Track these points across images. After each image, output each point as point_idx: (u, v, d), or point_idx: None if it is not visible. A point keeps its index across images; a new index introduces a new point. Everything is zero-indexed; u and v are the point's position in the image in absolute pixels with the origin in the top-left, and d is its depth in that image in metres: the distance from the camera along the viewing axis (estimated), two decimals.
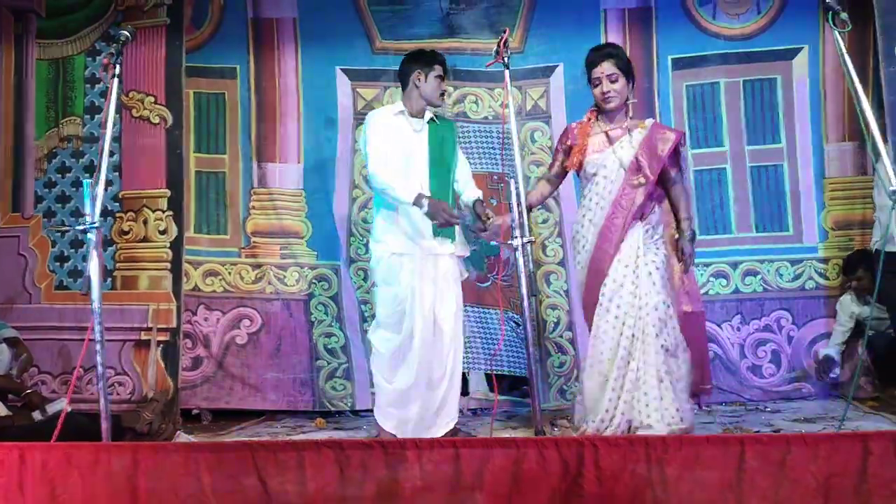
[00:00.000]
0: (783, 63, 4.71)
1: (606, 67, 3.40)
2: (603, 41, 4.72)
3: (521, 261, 2.71)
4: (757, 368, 4.70)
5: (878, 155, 2.75)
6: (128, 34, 3.05)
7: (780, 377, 4.69)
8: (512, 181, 2.81)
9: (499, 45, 3.12)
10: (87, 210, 2.82)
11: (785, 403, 4.50)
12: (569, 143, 3.55)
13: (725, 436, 3.43)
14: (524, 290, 2.70)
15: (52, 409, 3.98)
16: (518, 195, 2.78)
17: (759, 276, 4.73)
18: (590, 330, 3.48)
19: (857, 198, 4.69)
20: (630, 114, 3.51)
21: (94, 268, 2.82)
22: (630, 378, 3.30)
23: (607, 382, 3.34)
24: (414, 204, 3.59)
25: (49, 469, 2.34)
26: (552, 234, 4.80)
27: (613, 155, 3.40)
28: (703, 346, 3.55)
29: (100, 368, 2.79)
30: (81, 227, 2.84)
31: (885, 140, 2.82)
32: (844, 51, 2.76)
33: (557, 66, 4.77)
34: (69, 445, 2.42)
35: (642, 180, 3.36)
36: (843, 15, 2.79)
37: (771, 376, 4.69)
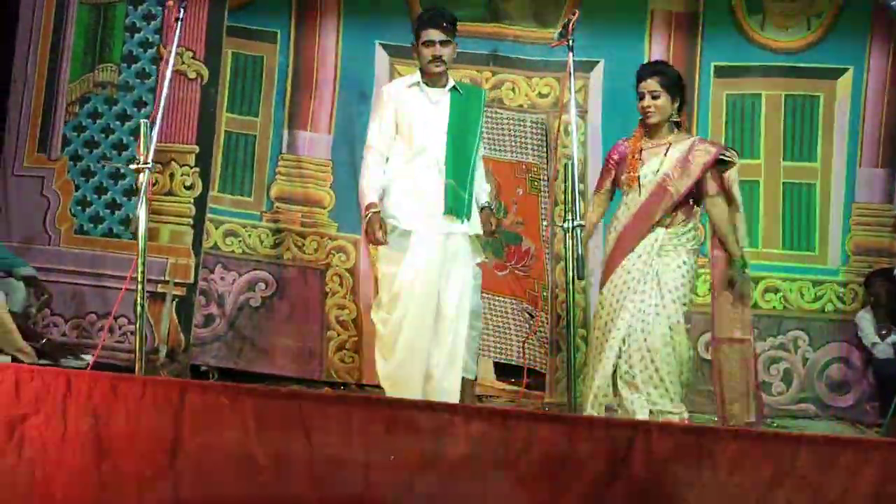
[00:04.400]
0: (828, 82, 4.68)
1: (650, 84, 3.47)
2: (647, 42, 4.71)
3: (569, 244, 2.68)
4: (767, 385, 4.67)
5: None
6: None
7: (789, 396, 4.67)
8: (569, 163, 2.79)
9: (565, 27, 3.10)
10: (142, 150, 2.80)
11: (790, 421, 4.48)
12: (616, 157, 3.60)
13: (779, 433, 3.40)
14: (571, 274, 2.67)
15: (70, 364, 3.98)
16: (573, 178, 2.75)
17: (780, 294, 4.70)
18: None
19: (882, 225, 4.67)
20: (676, 130, 3.54)
21: (142, 212, 2.81)
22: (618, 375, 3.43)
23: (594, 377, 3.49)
24: (365, 209, 3.50)
25: (93, 399, 2.30)
26: None
27: (645, 169, 3.47)
28: (751, 374, 3.54)
29: (140, 311, 2.76)
30: (136, 166, 2.82)
31: None
32: None
33: (599, 62, 4.75)
34: (115, 377, 2.39)
35: (669, 194, 3.42)
36: None
37: (780, 394, 4.67)
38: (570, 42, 3.06)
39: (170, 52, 2.92)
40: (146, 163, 2.80)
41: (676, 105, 3.51)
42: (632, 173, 3.48)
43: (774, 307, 4.70)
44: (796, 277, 4.69)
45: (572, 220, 2.70)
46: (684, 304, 3.42)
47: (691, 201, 3.51)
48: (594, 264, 4.23)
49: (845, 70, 4.67)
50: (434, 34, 3.52)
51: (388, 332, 3.59)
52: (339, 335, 4.78)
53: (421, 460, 2.19)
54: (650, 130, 3.53)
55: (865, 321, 4.59)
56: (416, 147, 3.56)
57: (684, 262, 3.44)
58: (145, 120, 2.85)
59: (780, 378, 4.67)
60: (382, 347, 3.66)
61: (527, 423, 2.21)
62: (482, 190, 3.74)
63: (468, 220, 3.58)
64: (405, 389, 3.56)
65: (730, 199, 3.46)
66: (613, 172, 3.61)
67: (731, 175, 3.45)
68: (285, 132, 4.86)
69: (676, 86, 3.52)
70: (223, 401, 2.27)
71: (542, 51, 4.64)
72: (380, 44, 4.85)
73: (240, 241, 4.81)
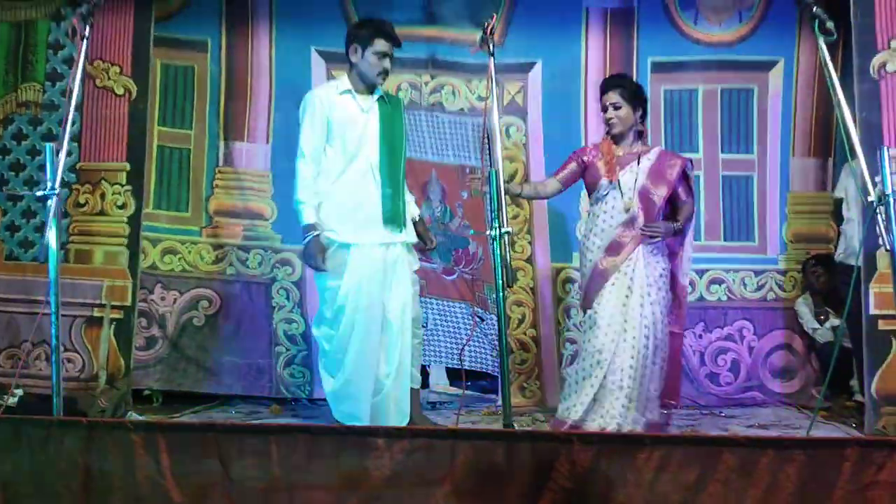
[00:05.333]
0: (760, 74, 4.76)
1: (612, 96, 3.68)
2: (584, 41, 4.73)
3: (497, 251, 2.65)
4: (715, 376, 4.75)
5: (853, 168, 2.76)
6: None
7: (736, 386, 4.75)
8: (493, 172, 2.76)
9: (484, 33, 3.07)
10: (49, 175, 2.68)
11: (739, 410, 4.54)
12: (584, 159, 3.76)
13: (702, 435, 3.46)
14: (500, 281, 2.64)
15: None
16: (498, 185, 2.73)
17: (724, 285, 4.78)
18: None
19: (816, 213, 4.78)
20: (640, 140, 3.74)
21: (52, 236, 2.69)
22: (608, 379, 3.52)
23: (588, 380, 3.55)
24: (304, 230, 3.46)
25: None
26: (521, 230, 4.77)
27: (622, 179, 3.64)
28: (678, 364, 3.80)
29: (54, 342, 2.65)
30: (41, 193, 2.70)
31: (853, 156, 2.82)
32: (828, 59, 2.77)
33: (536, 62, 4.75)
34: (19, 419, 2.29)
35: (653, 203, 3.62)
36: (830, 24, 2.80)
37: (728, 384, 4.75)
38: (491, 48, 3.02)
39: (73, 74, 2.78)
40: (53, 188, 2.67)
41: (639, 115, 3.70)
42: (612, 171, 3.64)
43: (719, 299, 4.77)
44: (739, 268, 4.77)
45: (499, 227, 2.67)
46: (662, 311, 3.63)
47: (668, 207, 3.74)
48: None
49: (776, 62, 4.75)
50: (386, 46, 3.51)
51: (334, 349, 3.54)
52: (287, 350, 4.69)
53: (346, 483, 2.15)
54: (616, 139, 3.72)
55: (804, 307, 4.70)
56: (349, 155, 3.52)
57: (665, 270, 3.67)
58: (50, 144, 2.72)
59: (727, 368, 4.75)
60: (328, 364, 3.60)
61: (450, 440, 2.19)
62: (411, 200, 3.75)
63: (405, 228, 3.59)
64: (354, 404, 3.52)
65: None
66: (578, 169, 3.76)
67: (692, 177, 3.80)
68: (221, 144, 4.75)
69: (637, 96, 3.71)
70: (133, 438, 2.20)
71: (480, 54, 4.62)
72: (315, 50, 4.76)
73: (179, 259, 4.69)
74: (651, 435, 2.66)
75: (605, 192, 3.67)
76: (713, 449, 2.15)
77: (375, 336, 3.49)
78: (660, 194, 3.65)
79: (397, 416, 3.55)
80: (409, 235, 3.65)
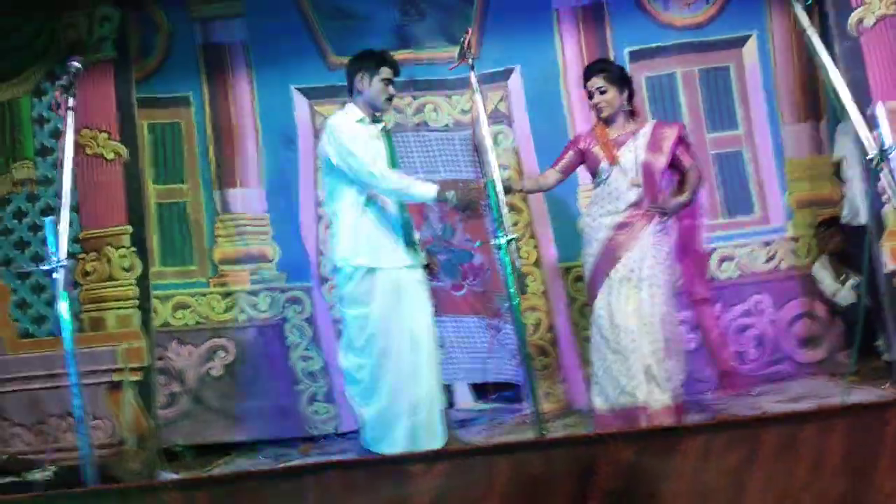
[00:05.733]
0: (734, 51, 4.74)
1: (596, 81, 3.71)
2: (558, 40, 4.74)
3: (507, 259, 2.65)
4: (741, 355, 4.68)
5: (845, 129, 2.75)
6: (79, 65, 2.94)
7: (762, 361, 4.70)
8: (491, 181, 2.76)
9: (462, 47, 3.09)
10: (51, 248, 2.70)
11: (768, 386, 4.49)
12: (581, 146, 3.79)
13: (741, 418, 3.41)
14: (512, 290, 2.64)
15: (34, 476, 3.82)
16: (497, 194, 2.73)
17: (735, 261, 4.74)
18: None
19: (816, 177, 4.73)
20: (633, 119, 3.78)
21: (63, 308, 2.70)
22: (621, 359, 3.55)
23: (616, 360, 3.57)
24: (439, 199, 3.44)
25: None
26: (524, 235, 4.77)
27: (622, 158, 3.67)
28: (718, 333, 4.00)
29: (79, 412, 2.65)
30: (48, 267, 2.71)
31: (846, 117, 2.81)
32: (807, 25, 2.77)
33: (514, 68, 4.75)
34: (51, 495, 2.28)
35: (654, 180, 3.64)
36: None
37: (753, 361, 4.69)
38: (470, 61, 3.04)
39: (62, 146, 2.81)
40: (59, 261, 2.69)
41: (626, 96, 3.72)
42: (610, 153, 3.67)
43: (731, 276, 4.73)
44: (746, 242, 4.73)
45: (504, 235, 2.67)
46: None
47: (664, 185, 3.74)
48: None
49: (749, 36, 4.73)
50: (390, 73, 3.61)
51: (367, 376, 3.55)
52: (309, 387, 4.69)
53: None
54: (607, 123, 3.75)
55: (822, 272, 4.64)
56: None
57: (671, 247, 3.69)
58: (49, 217, 2.75)
59: (753, 346, 4.68)
60: (361, 393, 3.60)
61: (487, 457, 2.18)
62: None
63: (420, 251, 3.67)
64: (391, 431, 3.52)
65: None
66: (576, 157, 3.81)
67: (690, 141, 3.84)
68: (216, 193, 4.77)
69: (621, 78, 3.74)
70: (170, 498, 2.17)
71: (458, 69, 4.66)
72: (296, 88, 4.80)
73: (191, 312, 4.70)
74: (690, 425, 2.64)
75: (606, 176, 3.70)
76: (754, 430, 2.12)
77: (407, 359, 3.51)
78: (659, 166, 3.66)
79: (433, 438, 3.56)
80: (422, 258, 3.70)
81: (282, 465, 3.65)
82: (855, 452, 2.06)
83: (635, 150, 3.67)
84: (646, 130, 3.73)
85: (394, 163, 3.65)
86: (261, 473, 2.28)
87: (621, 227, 3.64)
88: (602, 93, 3.69)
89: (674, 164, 3.74)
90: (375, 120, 3.67)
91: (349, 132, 3.53)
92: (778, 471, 2.08)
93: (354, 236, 3.55)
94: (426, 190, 3.44)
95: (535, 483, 2.10)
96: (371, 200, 3.56)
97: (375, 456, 3.33)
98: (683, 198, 3.69)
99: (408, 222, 3.64)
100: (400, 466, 2.16)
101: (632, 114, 3.78)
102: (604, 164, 3.70)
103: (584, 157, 3.80)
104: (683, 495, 2.10)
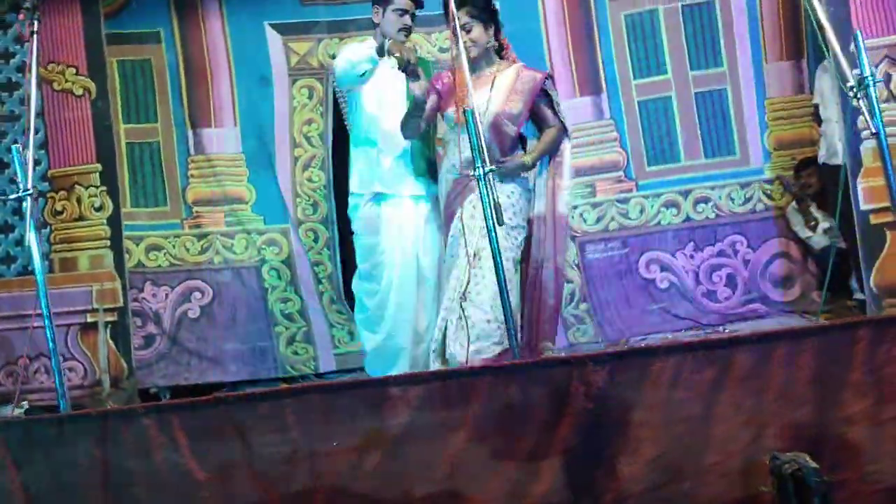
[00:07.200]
0: None
1: (461, 17, 3.22)
2: None
3: (484, 191, 2.63)
4: (712, 293, 4.72)
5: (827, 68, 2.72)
6: None
7: (737, 300, 4.74)
8: (469, 111, 2.72)
9: None
10: (20, 178, 2.62)
11: (742, 324, 4.53)
12: (437, 87, 3.44)
13: (710, 339, 3.42)
14: (490, 222, 2.63)
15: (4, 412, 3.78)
16: (475, 124, 2.69)
17: (710, 203, 4.74)
18: None
19: (797, 117, 4.71)
20: (499, 59, 3.42)
21: (33, 239, 2.63)
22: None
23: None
24: (380, 55, 3.39)
25: (10, 448, 2.18)
26: None
27: (478, 101, 3.16)
28: (556, 300, 3.45)
29: (52, 349, 2.61)
30: (14, 196, 2.64)
31: (829, 50, 2.78)
32: None
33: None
34: (28, 420, 2.26)
35: (505, 134, 3.33)
36: None
37: (727, 300, 4.73)
38: None
39: (29, 67, 2.71)
40: (27, 189, 2.61)
41: (491, 31, 3.37)
42: (457, 111, 3.16)
43: (707, 217, 4.74)
44: (724, 183, 4.73)
45: (482, 166, 2.64)
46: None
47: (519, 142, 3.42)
48: None
49: None
50: (405, 3, 3.53)
51: (376, 304, 3.61)
52: (287, 329, 4.67)
53: (365, 438, 2.14)
54: (472, 63, 3.22)
55: (794, 215, 4.67)
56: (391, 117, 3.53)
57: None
58: (15, 146, 2.66)
59: (723, 284, 4.71)
60: (369, 321, 3.67)
61: (464, 379, 2.18)
62: None
63: (435, 182, 3.60)
64: (394, 361, 3.57)
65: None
66: (437, 100, 3.42)
67: (557, 99, 3.42)
68: (189, 132, 4.68)
69: (486, 11, 3.35)
70: (147, 422, 2.16)
71: (435, 5, 4.57)
72: (269, 24, 4.68)
73: (164, 254, 4.64)
74: (662, 345, 2.64)
75: (453, 124, 3.34)
76: (725, 351, 2.13)
77: (413, 290, 3.55)
78: (514, 116, 3.31)
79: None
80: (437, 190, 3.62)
81: (260, 390, 3.62)
82: (824, 371, 2.08)
83: (487, 103, 3.28)
84: (508, 74, 3.36)
85: (410, 94, 3.49)
86: (239, 397, 2.27)
87: (458, 183, 3.36)
88: (467, 31, 3.26)
89: (536, 121, 3.41)
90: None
91: (375, 62, 3.48)
92: (747, 395, 2.10)
93: (362, 164, 3.62)
94: (367, 49, 3.43)
95: (511, 407, 2.12)
96: (381, 129, 3.56)
97: (354, 379, 3.35)
98: (525, 158, 3.35)
99: (419, 151, 3.60)
100: (378, 389, 2.15)
101: (499, 53, 3.41)
102: (450, 112, 3.33)
103: (440, 100, 3.41)
104: (653, 421, 2.12)
